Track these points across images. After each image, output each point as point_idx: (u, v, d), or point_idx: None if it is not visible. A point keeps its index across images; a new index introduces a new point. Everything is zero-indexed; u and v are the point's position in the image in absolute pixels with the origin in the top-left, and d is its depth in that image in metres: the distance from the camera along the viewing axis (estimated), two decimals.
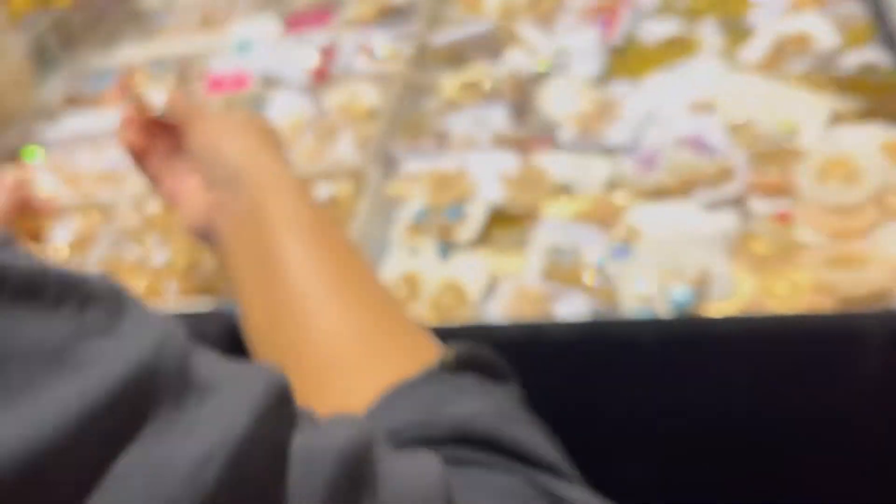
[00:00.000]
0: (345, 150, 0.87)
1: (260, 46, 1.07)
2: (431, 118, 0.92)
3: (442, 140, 0.87)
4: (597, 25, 0.92)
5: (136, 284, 0.75)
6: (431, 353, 0.40)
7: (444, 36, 0.99)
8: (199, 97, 0.59)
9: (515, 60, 0.95)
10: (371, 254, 0.76)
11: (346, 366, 0.40)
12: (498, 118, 0.85)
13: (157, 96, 0.60)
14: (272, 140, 0.56)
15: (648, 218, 0.69)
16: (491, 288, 0.69)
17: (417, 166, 0.86)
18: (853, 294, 0.58)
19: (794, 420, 0.59)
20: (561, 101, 0.85)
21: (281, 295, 0.46)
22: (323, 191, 0.77)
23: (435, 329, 0.65)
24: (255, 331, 0.47)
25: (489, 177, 0.76)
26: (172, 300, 0.72)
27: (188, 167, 0.57)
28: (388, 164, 0.87)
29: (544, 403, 0.63)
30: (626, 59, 0.91)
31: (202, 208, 0.54)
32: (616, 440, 0.64)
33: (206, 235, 0.55)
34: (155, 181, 0.60)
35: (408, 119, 0.93)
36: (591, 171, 0.75)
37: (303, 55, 1.01)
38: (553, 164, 0.76)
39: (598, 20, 0.93)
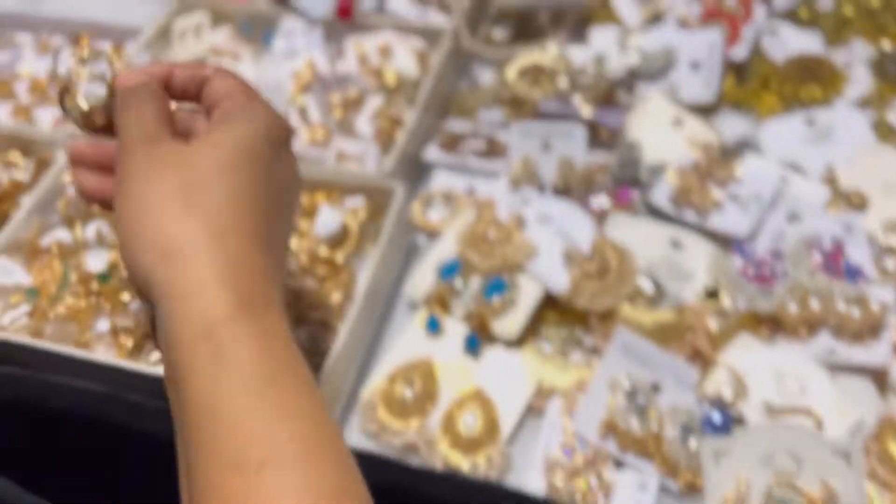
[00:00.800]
0: (364, 136, 0.66)
1: None
2: (478, 105, 0.71)
3: (491, 146, 0.66)
4: (715, 30, 0.70)
5: (49, 304, 0.56)
6: None
7: None
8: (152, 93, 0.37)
9: (601, 44, 0.73)
10: (377, 309, 0.57)
11: None
12: (571, 139, 0.64)
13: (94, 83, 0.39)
14: (265, 232, 0.35)
15: (755, 363, 0.51)
16: (530, 412, 0.52)
17: (454, 182, 0.65)
18: None
19: None
20: (657, 133, 0.64)
21: None
22: (327, 218, 0.57)
23: (444, 478, 0.48)
24: None
25: (550, 245, 0.56)
26: (99, 345, 0.53)
27: None
28: (418, 172, 0.67)
29: None
30: (746, 80, 0.70)
31: None
32: None
33: None
34: None
35: (448, 100, 0.72)
36: (686, 261, 0.56)
37: None
38: (637, 239, 0.57)
39: (717, 22, 0.70)
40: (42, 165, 0.67)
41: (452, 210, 0.63)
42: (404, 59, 0.71)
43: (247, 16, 0.77)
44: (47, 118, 0.73)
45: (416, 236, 0.63)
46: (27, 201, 0.63)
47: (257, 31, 0.77)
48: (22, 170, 0.67)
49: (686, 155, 0.61)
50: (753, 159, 0.61)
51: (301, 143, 0.66)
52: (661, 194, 0.60)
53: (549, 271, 0.55)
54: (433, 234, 0.62)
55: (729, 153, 0.63)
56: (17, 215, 0.62)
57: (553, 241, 0.56)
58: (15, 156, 0.67)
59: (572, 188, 0.61)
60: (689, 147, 0.62)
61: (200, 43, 0.76)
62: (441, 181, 0.66)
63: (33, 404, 0.53)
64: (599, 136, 0.66)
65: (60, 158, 0.66)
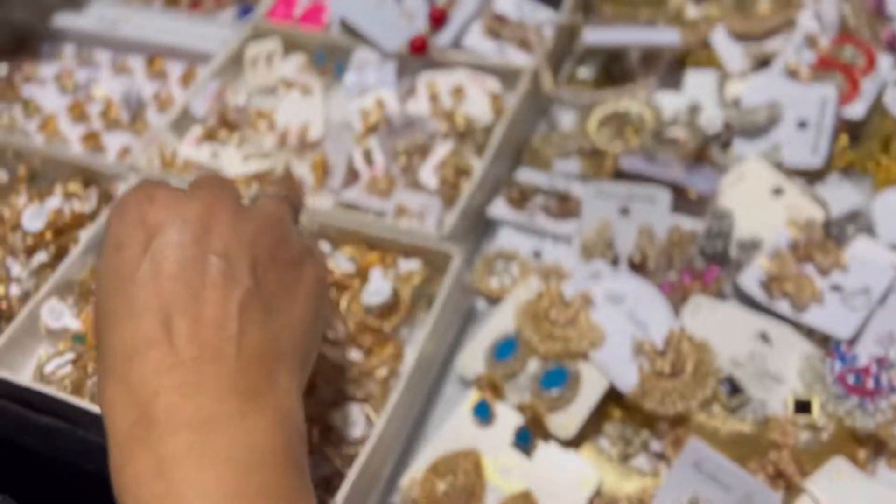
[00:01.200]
0: (428, 186, 0.62)
1: None
2: (554, 154, 0.65)
3: (563, 203, 0.61)
4: (829, 85, 0.61)
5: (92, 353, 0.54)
6: None
7: (602, 34, 0.69)
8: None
9: (697, 91, 0.66)
10: (424, 385, 0.53)
11: None
12: (654, 204, 0.58)
13: None
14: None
15: (849, 494, 0.44)
16: None
17: (520, 242, 0.60)
18: None
19: None
20: (753, 203, 0.57)
21: None
22: (377, 286, 0.53)
23: None
24: None
25: (619, 332, 0.51)
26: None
27: None
28: (483, 227, 0.62)
29: None
30: (862, 141, 0.62)
31: None
32: None
33: None
34: None
35: (522, 145, 0.67)
36: (775, 361, 0.50)
37: (409, 10, 0.72)
38: (720, 327, 0.51)
39: (832, 75, 0.62)
40: (105, 198, 0.66)
41: (517, 274, 0.58)
42: (477, 102, 0.66)
43: (321, 45, 0.74)
44: (115, 145, 0.72)
45: (475, 300, 0.58)
46: (84, 237, 0.62)
47: (330, 62, 0.73)
48: (84, 201, 0.66)
49: (784, 233, 0.54)
50: (864, 243, 0.53)
51: (361, 190, 0.62)
52: (751, 278, 0.53)
53: (615, 364, 0.49)
54: (494, 300, 0.58)
55: (835, 229, 0.55)
56: (73, 252, 0.61)
57: (623, 328, 0.51)
58: (76, 186, 0.66)
59: (650, 262, 0.55)
60: (789, 223, 0.55)
61: (271, 71, 0.73)
62: (506, 239, 0.61)
63: (70, 464, 0.51)
64: (687, 197, 0.60)
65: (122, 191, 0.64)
